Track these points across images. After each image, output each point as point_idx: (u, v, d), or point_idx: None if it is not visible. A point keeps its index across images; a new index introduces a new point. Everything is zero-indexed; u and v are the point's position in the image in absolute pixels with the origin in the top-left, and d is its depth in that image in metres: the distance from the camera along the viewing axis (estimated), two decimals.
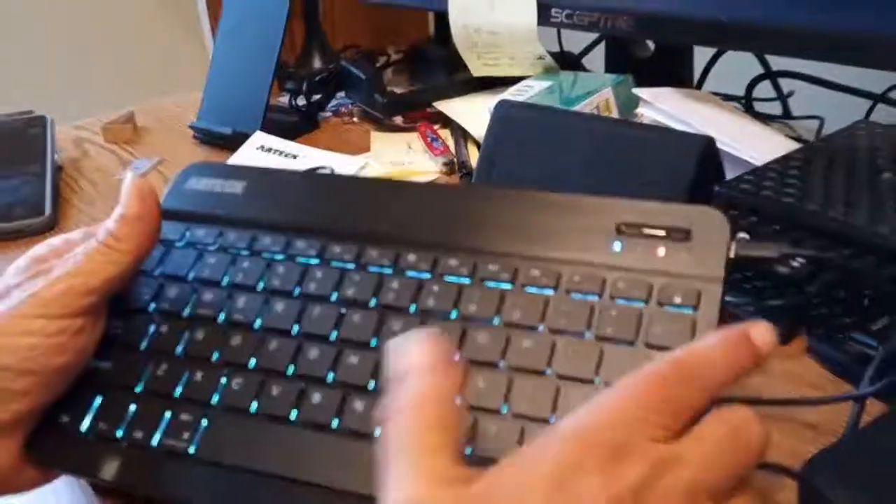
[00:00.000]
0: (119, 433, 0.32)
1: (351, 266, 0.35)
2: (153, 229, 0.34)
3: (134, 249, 0.33)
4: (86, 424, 0.33)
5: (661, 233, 0.32)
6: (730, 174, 0.46)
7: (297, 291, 0.34)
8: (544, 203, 0.34)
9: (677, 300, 0.30)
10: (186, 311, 0.35)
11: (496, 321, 0.31)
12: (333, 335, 0.33)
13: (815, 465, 0.29)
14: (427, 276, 0.33)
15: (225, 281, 0.36)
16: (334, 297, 0.34)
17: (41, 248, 0.35)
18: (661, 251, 0.31)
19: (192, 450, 0.31)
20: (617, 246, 0.32)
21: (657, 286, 0.31)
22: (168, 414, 0.32)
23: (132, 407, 0.33)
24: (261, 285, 0.35)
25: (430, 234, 0.35)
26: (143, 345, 0.34)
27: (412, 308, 0.33)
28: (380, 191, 0.38)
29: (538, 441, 0.23)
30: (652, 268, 0.31)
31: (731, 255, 0.31)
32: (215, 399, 0.32)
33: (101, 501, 0.34)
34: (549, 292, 0.32)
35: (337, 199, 0.38)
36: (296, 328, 0.33)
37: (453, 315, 0.32)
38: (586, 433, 0.22)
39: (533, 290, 0.32)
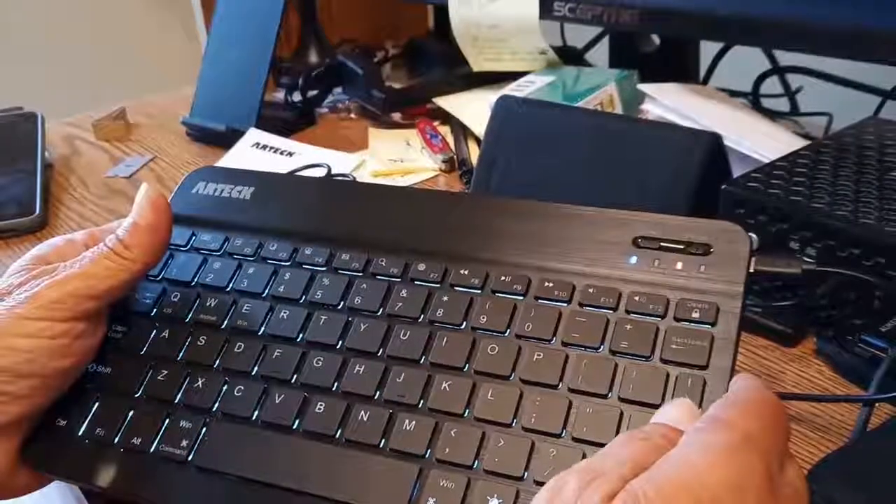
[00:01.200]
0: (116, 439, 0.32)
1: (359, 274, 0.34)
2: (164, 242, 0.34)
3: (142, 259, 0.33)
4: (82, 429, 0.32)
5: (680, 247, 0.32)
6: (736, 171, 0.45)
7: (303, 299, 0.34)
8: (559, 214, 0.34)
9: (695, 315, 0.30)
10: (189, 317, 0.35)
11: (507, 333, 0.31)
12: (339, 343, 0.32)
13: (823, 469, 0.29)
14: (437, 285, 0.33)
15: (229, 287, 0.35)
16: (341, 305, 0.34)
17: (44, 247, 0.34)
18: (679, 265, 0.31)
19: (190, 457, 0.30)
20: (633, 259, 0.32)
21: (674, 301, 0.30)
22: (167, 420, 0.32)
23: (130, 412, 0.32)
24: (266, 292, 0.35)
25: (441, 243, 0.34)
26: (144, 350, 0.34)
27: (421, 318, 0.32)
28: (390, 198, 0.38)
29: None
30: (669, 282, 0.31)
31: (751, 269, 0.30)
32: (216, 406, 0.32)
33: None
34: (563, 305, 0.31)
35: (347, 207, 0.38)
36: (301, 336, 0.33)
37: (463, 326, 0.32)
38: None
39: (546, 302, 0.31)
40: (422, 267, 0.34)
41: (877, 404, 0.35)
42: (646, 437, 0.24)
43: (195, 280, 0.36)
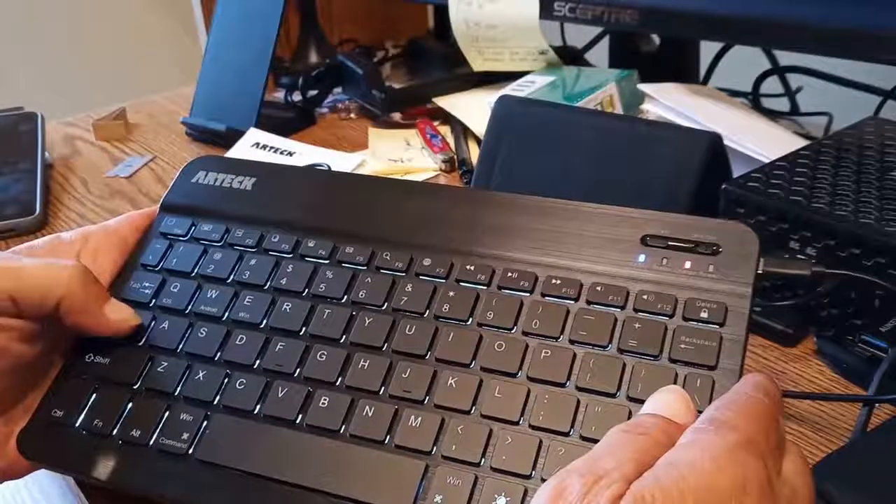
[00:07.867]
0: (114, 430, 0.31)
1: (363, 268, 0.34)
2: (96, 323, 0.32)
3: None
4: (80, 420, 0.32)
5: (688, 246, 0.31)
6: (737, 171, 0.45)
7: (306, 291, 0.34)
8: (567, 212, 0.34)
9: (703, 315, 0.29)
10: (189, 308, 0.34)
11: (514, 330, 0.31)
12: (343, 338, 0.32)
13: (823, 469, 0.29)
14: (442, 280, 0.33)
15: (230, 278, 0.35)
16: (345, 298, 0.33)
17: (35, 244, 0.34)
18: (688, 265, 0.31)
19: (191, 450, 0.30)
20: (641, 258, 0.32)
21: (682, 300, 0.30)
22: (167, 413, 0.31)
23: (129, 404, 0.32)
24: (268, 284, 0.34)
25: (446, 238, 0.34)
26: (143, 340, 0.34)
27: (426, 313, 0.32)
28: (395, 192, 0.38)
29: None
30: (678, 281, 0.31)
31: (760, 270, 0.30)
32: (217, 399, 0.31)
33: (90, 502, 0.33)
34: (570, 302, 0.31)
35: (351, 199, 0.37)
36: (304, 329, 0.33)
37: (469, 322, 0.31)
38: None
39: (553, 299, 0.31)
40: (427, 262, 0.33)
41: (877, 404, 0.35)
42: (644, 432, 0.23)
43: (195, 271, 0.36)
